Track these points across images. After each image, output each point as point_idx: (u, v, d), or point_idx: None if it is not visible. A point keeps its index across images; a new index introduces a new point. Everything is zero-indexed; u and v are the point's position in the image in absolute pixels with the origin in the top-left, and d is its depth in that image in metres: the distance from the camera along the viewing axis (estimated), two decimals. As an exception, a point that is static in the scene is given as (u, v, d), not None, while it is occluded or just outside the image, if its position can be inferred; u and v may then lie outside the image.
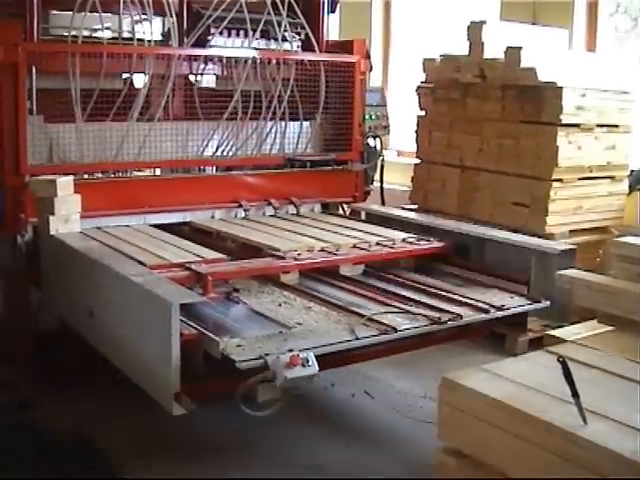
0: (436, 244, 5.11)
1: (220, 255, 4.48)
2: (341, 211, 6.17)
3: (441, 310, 4.09)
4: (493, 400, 2.74)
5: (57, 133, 4.97)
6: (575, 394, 2.64)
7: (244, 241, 4.97)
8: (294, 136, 5.83)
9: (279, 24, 5.60)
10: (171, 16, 5.26)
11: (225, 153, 5.57)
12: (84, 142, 5.01)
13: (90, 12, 4.94)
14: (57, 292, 4.57)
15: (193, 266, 4.21)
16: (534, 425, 2.59)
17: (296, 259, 4.56)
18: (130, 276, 3.60)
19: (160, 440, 4.49)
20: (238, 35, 5.57)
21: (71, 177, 4.67)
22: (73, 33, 4.90)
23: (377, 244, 4.99)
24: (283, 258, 4.54)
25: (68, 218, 4.53)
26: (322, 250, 4.76)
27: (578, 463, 2.45)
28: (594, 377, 3.03)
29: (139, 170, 5.53)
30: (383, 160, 6.53)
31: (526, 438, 2.61)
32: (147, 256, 4.34)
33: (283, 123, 5.74)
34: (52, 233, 4.47)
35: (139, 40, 5.24)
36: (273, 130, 5.73)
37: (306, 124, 5.90)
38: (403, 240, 5.12)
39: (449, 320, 3.98)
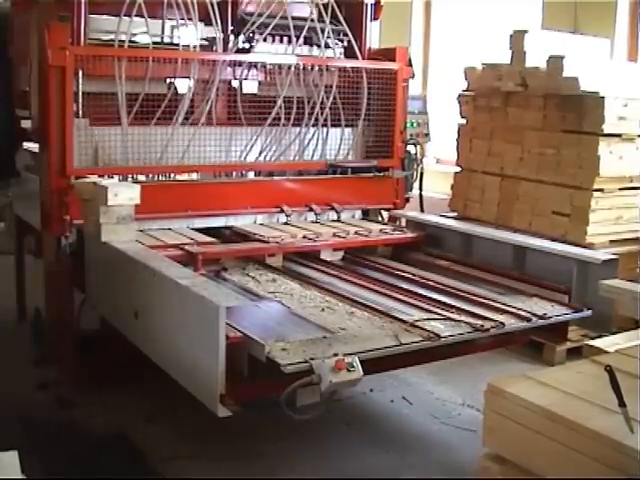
0: (409, 234, 5.67)
1: (211, 239, 4.98)
2: (380, 218, 6.19)
3: (483, 318, 4.08)
4: (539, 407, 2.74)
5: (102, 136, 5.01)
6: (622, 403, 2.64)
7: (237, 230, 5.39)
8: (336, 143, 5.86)
9: (322, 31, 5.63)
10: (216, 22, 5.30)
11: (267, 158, 5.59)
12: (129, 145, 5.05)
13: (130, 16, 4.99)
14: (100, 293, 4.61)
15: (187, 247, 4.72)
16: (581, 433, 2.58)
17: (278, 243, 5.09)
18: (176, 278, 3.62)
19: (204, 440, 4.53)
20: (281, 41, 5.61)
21: (115, 180, 4.72)
22: (111, 37, 4.94)
23: (355, 233, 5.48)
24: (267, 242, 5.05)
25: (113, 221, 4.58)
26: (304, 237, 5.26)
27: (625, 472, 2.45)
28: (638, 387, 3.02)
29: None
30: (422, 168, 6.54)
31: (572, 446, 2.61)
32: (150, 240, 4.74)
33: (325, 130, 5.76)
34: (97, 235, 4.52)
35: (179, 45, 5.30)
36: (315, 136, 5.75)
37: (348, 131, 5.92)
38: (380, 230, 5.63)
39: (491, 328, 3.97)
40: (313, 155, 5.76)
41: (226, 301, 3.30)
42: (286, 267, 5.17)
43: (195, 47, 5.25)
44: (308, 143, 5.74)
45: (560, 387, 2.93)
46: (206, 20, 5.28)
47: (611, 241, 6.19)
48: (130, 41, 5.11)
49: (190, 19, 5.16)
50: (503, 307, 4.31)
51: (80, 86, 4.91)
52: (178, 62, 5.15)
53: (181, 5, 5.12)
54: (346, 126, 5.89)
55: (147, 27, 5.06)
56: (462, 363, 5.15)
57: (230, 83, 5.59)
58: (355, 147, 5.95)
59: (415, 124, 6.47)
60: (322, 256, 5.33)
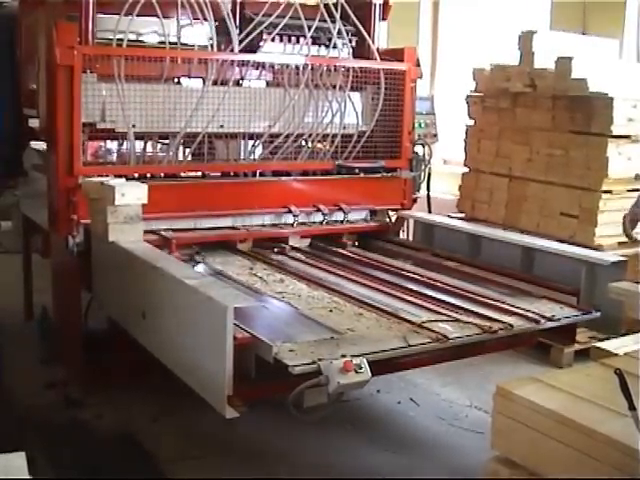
0: (372, 223, 5.99)
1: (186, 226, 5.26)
2: (388, 218, 6.17)
3: (491, 319, 4.06)
4: (548, 410, 2.73)
5: (110, 92, 4.93)
6: (632, 406, 2.63)
7: None
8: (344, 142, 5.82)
9: (331, 31, 5.61)
10: (224, 21, 5.28)
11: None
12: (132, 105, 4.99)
13: (138, 16, 4.98)
14: (108, 293, 4.61)
15: (162, 232, 5.01)
16: (590, 437, 2.57)
17: (248, 230, 5.43)
18: (184, 278, 3.62)
19: (209, 441, 4.53)
20: (290, 41, 5.59)
21: (123, 180, 4.72)
22: (120, 37, 4.93)
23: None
24: (238, 229, 5.39)
25: (121, 220, 4.57)
26: (273, 225, 5.58)
27: (635, 476, 2.43)
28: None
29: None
30: (430, 168, 6.52)
31: (582, 449, 2.59)
32: None
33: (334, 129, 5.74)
34: (105, 235, 4.51)
35: (186, 45, 5.30)
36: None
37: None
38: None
39: (500, 329, 3.96)
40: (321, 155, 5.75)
41: (234, 302, 3.29)
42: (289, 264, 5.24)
43: (211, 47, 5.24)
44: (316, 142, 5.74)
45: (569, 390, 2.92)
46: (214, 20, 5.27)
47: (619, 243, 6.16)
48: (138, 40, 5.11)
49: (205, 19, 5.15)
50: (511, 308, 4.29)
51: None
52: (186, 62, 5.17)
53: (194, 4, 5.11)
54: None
55: (162, 26, 5.04)
56: (469, 364, 5.14)
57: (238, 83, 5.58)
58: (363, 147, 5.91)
59: (423, 125, 6.45)
60: (290, 242, 5.59)
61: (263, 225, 5.52)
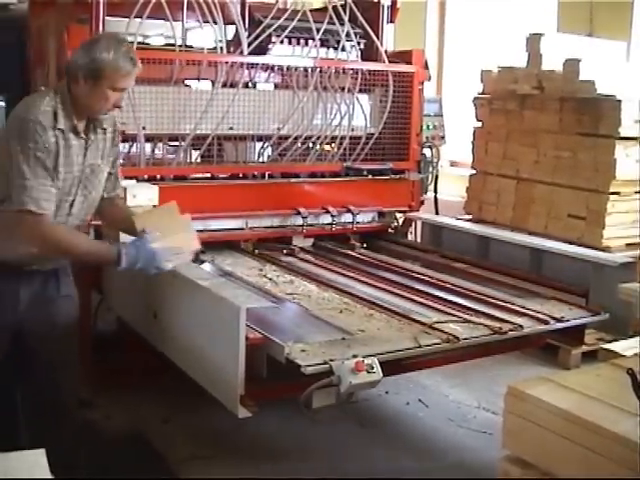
0: (375, 223, 5.99)
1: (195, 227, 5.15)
2: (395, 220, 6.19)
3: (501, 320, 4.08)
4: (561, 410, 2.73)
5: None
6: (644, 406, 2.64)
7: None
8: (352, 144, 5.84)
9: (339, 33, 5.63)
10: (233, 24, 5.31)
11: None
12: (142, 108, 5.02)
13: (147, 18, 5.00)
14: (118, 293, 4.62)
15: None
16: (603, 436, 2.58)
17: (251, 229, 5.41)
18: (197, 279, 3.64)
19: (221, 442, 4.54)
20: (298, 44, 5.61)
21: (134, 181, 4.73)
22: (129, 39, 4.94)
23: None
24: (242, 229, 5.37)
25: (132, 221, 4.58)
26: (281, 227, 5.59)
27: (648, 475, 2.44)
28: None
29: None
30: (437, 170, 6.53)
31: (595, 449, 2.60)
32: None
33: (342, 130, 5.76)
34: (116, 236, 4.52)
35: (191, 47, 5.33)
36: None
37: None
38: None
39: (510, 330, 3.97)
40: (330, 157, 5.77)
41: (247, 302, 3.32)
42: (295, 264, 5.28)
43: (220, 49, 5.27)
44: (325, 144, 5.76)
45: (581, 390, 2.92)
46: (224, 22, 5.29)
47: (627, 244, 6.16)
48: (145, 43, 5.13)
49: (215, 21, 5.17)
50: (520, 310, 4.31)
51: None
52: (196, 64, 5.19)
53: (203, 7, 5.13)
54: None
55: (172, 28, 5.08)
56: (476, 365, 5.14)
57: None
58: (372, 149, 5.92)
59: (431, 127, 6.46)
60: (294, 242, 5.62)
61: (272, 227, 5.53)
